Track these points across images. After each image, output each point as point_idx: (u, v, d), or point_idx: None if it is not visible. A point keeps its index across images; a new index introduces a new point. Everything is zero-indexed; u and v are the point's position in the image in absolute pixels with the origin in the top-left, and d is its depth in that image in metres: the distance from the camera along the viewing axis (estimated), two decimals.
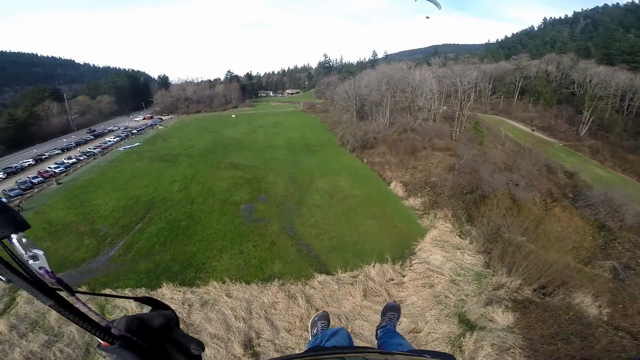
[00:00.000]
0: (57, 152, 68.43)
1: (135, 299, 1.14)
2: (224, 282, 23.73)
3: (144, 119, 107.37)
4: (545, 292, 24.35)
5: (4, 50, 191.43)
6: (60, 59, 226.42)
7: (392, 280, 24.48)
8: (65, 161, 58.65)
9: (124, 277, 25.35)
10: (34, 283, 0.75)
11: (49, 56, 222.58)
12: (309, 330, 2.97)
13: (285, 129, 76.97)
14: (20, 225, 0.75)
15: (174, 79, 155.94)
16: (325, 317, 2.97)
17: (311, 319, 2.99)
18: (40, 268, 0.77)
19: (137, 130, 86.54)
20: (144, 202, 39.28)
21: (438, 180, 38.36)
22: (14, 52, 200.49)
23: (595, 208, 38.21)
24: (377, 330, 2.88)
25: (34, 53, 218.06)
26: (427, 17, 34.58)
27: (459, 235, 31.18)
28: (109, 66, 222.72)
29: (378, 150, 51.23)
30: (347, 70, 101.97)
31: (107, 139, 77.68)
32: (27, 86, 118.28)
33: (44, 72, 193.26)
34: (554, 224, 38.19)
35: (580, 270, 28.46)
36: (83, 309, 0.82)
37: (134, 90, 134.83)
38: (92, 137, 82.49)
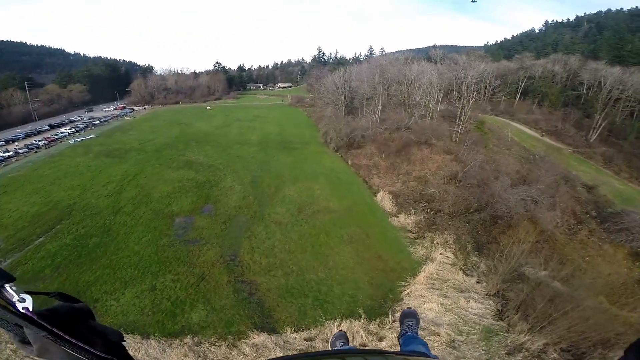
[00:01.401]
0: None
1: (47, 294, 1.11)
2: None
3: (115, 109, 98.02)
4: (577, 353, 16.70)
5: None
6: (50, 48, 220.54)
7: (364, 347, 16.22)
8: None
9: None
10: (28, 319, 0.88)
11: (39, 45, 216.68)
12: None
13: (265, 122, 68.18)
14: (10, 278, 0.91)
15: (159, 69, 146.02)
16: (343, 336, 2.96)
17: (330, 340, 2.94)
18: (23, 308, 0.89)
19: (100, 121, 77.25)
20: (61, 208, 31.10)
21: (437, 192, 29.99)
22: (2, 41, 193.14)
23: (631, 233, 30.70)
24: (398, 339, 2.74)
25: (23, 42, 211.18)
26: (474, 1, 26.94)
27: (463, 270, 23.12)
28: (100, 56, 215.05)
29: (365, 151, 42.82)
30: (339, 62, 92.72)
31: (62, 130, 68.29)
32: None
33: (32, 60, 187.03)
34: (580, 251, 30.50)
35: (624, 321, 20.72)
36: (66, 337, 0.92)
37: (112, 80, 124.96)
38: (47, 127, 72.94)
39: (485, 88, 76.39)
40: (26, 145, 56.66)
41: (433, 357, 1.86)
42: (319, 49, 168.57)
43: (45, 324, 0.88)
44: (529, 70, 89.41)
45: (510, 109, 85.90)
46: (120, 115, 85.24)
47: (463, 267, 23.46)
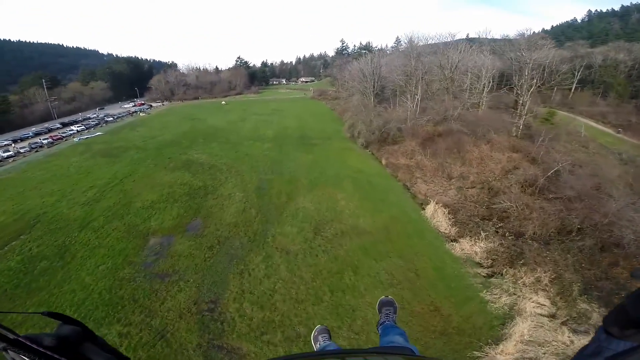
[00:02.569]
0: (5, 142, 56.39)
1: (40, 313, 1.08)
2: None
3: (134, 105, 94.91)
4: None
5: (32, 42, 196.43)
6: (85, 49, 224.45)
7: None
8: None
9: None
10: None
11: (74, 47, 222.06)
12: (313, 345, 2.76)
13: (283, 116, 60.84)
14: None
15: (182, 66, 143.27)
16: (325, 330, 2.84)
17: (312, 334, 2.82)
18: None
19: (114, 118, 73.27)
20: (27, 219, 25.79)
21: (513, 206, 21.00)
22: (41, 43, 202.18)
23: None
24: (377, 327, 2.70)
25: (60, 44, 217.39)
26: None
27: (568, 326, 14.72)
28: (131, 56, 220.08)
29: (404, 147, 34.20)
30: (365, 48, 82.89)
31: (72, 127, 64.65)
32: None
33: (69, 62, 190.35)
34: None
35: None
36: (33, 346, 0.87)
37: (135, 77, 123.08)
38: (59, 125, 69.86)
39: (550, 74, 65.24)
40: (30, 144, 53.11)
41: (411, 347, 1.89)
42: (342, 41, 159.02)
43: (10, 334, 0.84)
44: (585, 58, 78.81)
45: (566, 100, 74.63)
46: (135, 112, 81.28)
47: (568, 321, 14.96)
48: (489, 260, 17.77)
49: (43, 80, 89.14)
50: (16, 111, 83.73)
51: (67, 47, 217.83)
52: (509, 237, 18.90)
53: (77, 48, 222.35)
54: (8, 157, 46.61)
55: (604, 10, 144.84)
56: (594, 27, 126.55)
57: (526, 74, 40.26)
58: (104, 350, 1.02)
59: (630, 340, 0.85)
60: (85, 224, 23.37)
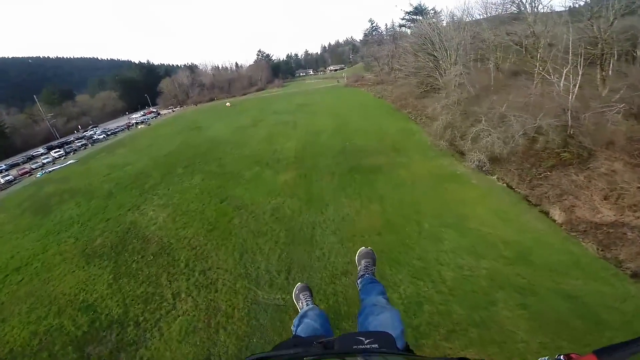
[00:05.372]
0: None
1: None
2: None
3: (143, 114, 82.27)
4: None
5: (70, 57, 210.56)
6: (118, 60, 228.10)
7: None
8: None
9: None
10: None
11: (109, 59, 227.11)
12: (295, 304, 2.68)
13: (312, 114, 42.03)
14: None
15: (201, 66, 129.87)
16: (306, 288, 2.75)
17: (293, 294, 2.73)
18: None
19: (105, 136, 59.39)
20: None
21: None
22: (77, 58, 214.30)
23: None
24: (357, 281, 2.64)
25: (96, 57, 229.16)
26: None
27: None
28: (163, 63, 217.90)
29: (596, 175, 15.00)
30: (417, 12, 60.02)
31: (51, 153, 51.51)
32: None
33: (104, 74, 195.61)
34: None
35: None
36: None
37: (150, 84, 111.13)
38: (43, 150, 57.47)
39: None
40: None
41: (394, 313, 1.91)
42: (371, 21, 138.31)
43: None
44: None
45: None
46: (134, 124, 67.14)
47: None
48: None
49: (35, 96, 77.75)
50: (15, 133, 74.45)
51: (102, 60, 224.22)
52: None
53: (112, 60, 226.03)
54: None
55: None
56: None
57: None
58: None
59: None
60: None
